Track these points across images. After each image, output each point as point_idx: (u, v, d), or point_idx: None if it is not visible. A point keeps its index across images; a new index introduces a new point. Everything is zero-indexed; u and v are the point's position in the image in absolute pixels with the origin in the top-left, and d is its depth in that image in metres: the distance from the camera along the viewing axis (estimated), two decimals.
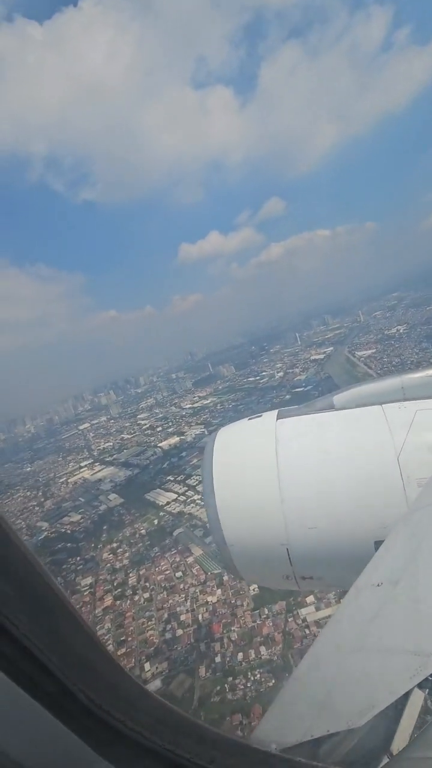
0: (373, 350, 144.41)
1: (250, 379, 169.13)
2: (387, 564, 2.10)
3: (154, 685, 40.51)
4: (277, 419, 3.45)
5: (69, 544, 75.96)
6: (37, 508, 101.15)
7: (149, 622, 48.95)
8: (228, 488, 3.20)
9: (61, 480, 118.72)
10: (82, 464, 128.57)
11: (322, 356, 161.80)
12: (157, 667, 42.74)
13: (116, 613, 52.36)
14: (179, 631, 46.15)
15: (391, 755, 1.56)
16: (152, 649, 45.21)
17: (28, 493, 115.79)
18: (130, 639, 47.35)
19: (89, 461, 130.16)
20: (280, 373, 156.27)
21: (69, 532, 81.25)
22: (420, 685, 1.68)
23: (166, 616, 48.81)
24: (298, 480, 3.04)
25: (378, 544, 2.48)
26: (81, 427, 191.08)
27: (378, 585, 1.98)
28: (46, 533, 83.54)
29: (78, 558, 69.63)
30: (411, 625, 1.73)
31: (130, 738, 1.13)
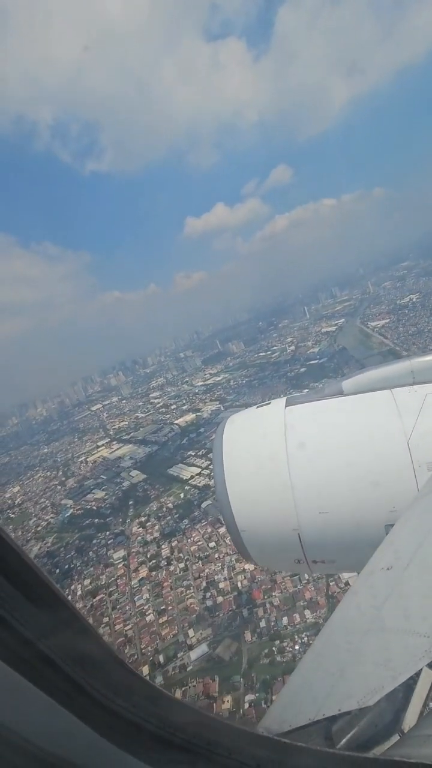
0: (387, 320, 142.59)
1: (261, 354, 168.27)
2: (397, 548, 2.13)
3: (201, 650, 41.27)
4: (285, 406, 3.44)
5: (97, 520, 76.89)
6: (59, 487, 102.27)
7: (188, 591, 49.68)
8: (239, 475, 3.21)
9: (80, 459, 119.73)
10: (100, 443, 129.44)
11: (333, 328, 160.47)
12: (201, 633, 43.48)
13: (153, 584, 53.14)
14: (219, 599, 46.82)
15: (402, 733, 1.63)
16: (194, 616, 45.94)
17: (49, 473, 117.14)
18: (170, 608, 48.13)
19: (106, 440, 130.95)
20: (292, 347, 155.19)
21: (95, 508, 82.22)
22: (430, 665, 1.36)
23: (204, 584, 49.46)
24: (308, 466, 3.05)
25: (388, 528, 2.50)
26: (93, 408, 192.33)
27: (388, 568, 2.02)
28: (72, 510, 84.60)
29: (107, 533, 70.48)
30: (421, 607, 1.78)
31: (128, 719, 1.17)
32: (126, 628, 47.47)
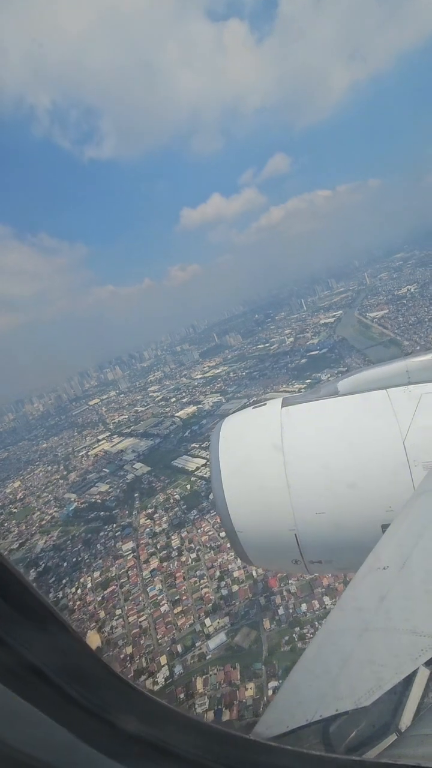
0: (386, 311, 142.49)
1: (260, 346, 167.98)
2: (393, 547, 2.15)
3: (219, 638, 40.95)
4: (281, 407, 3.43)
5: (102, 513, 76.29)
6: (61, 481, 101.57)
7: (201, 581, 49.29)
8: (235, 476, 3.19)
9: (81, 453, 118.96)
10: (100, 437, 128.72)
11: (332, 320, 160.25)
12: (218, 622, 43.15)
13: (165, 574, 52.70)
14: (234, 587, 46.49)
15: (399, 732, 1.63)
16: (210, 605, 45.55)
17: (49, 468, 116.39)
18: (184, 598, 47.77)
19: (107, 434, 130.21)
20: (291, 339, 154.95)
21: (100, 501, 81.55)
22: (426, 664, 1.42)
23: (218, 574, 49.07)
24: (305, 466, 3.05)
25: (385, 527, 2.51)
26: (91, 403, 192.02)
27: (384, 568, 2.03)
28: (75, 504, 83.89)
29: (114, 525, 69.89)
30: (417, 606, 1.81)
31: (123, 730, 1.17)
32: (140, 619, 46.98)
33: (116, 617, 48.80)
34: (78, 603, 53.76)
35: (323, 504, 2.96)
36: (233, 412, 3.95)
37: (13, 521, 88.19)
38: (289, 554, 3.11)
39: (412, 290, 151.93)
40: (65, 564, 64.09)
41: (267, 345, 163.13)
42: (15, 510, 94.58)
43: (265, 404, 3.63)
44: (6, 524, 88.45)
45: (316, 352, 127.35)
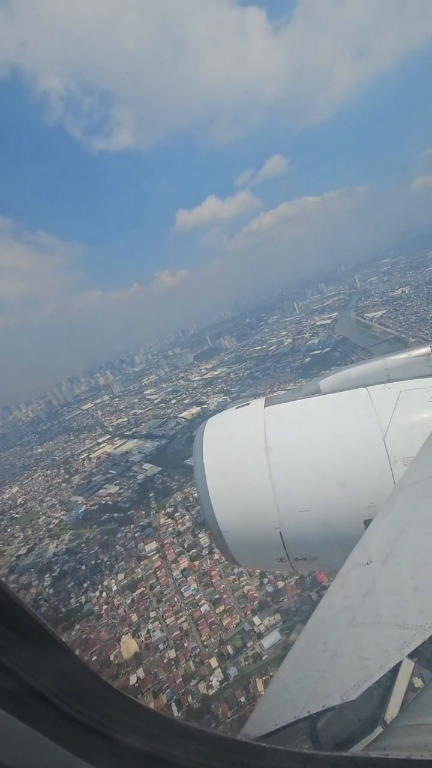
0: (384, 311, 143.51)
1: (257, 348, 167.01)
2: (375, 542, 2.20)
3: (273, 637, 38.49)
4: (264, 406, 3.45)
5: (116, 514, 72.88)
6: (64, 485, 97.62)
7: (241, 578, 46.69)
8: (220, 476, 3.19)
9: (81, 456, 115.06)
10: (100, 440, 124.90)
11: (329, 321, 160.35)
12: (268, 620, 40.63)
13: (199, 573, 49.90)
14: (280, 583, 44.01)
15: (385, 724, 1.66)
16: (256, 603, 42.95)
17: (49, 472, 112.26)
18: (225, 596, 45.08)
19: (107, 437, 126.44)
20: (289, 340, 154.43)
21: (111, 503, 78.11)
22: (409, 655, 1.64)
23: (257, 570, 46.40)
24: (288, 465, 3.04)
25: (368, 523, 2.58)
26: (84, 408, 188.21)
27: (367, 563, 2.08)
28: (84, 506, 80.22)
29: (132, 526, 66.62)
30: (399, 600, 1.84)
31: (113, 739, 1.18)
32: (179, 621, 44.09)
33: (151, 620, 45.77)
34: (105, 607, 50.51)
35: (307, 501, 2.95)
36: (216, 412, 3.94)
37: (17, 526, 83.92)
38: (274, 552, 3.09)
39: (407, 292, 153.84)
40: (83, 567, 60.56)
41: (264, 346, 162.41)
42: (17, 515, 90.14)
43: (249, 404, 3.61)
44: (9, 530, 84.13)
45: (319, 351, 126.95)
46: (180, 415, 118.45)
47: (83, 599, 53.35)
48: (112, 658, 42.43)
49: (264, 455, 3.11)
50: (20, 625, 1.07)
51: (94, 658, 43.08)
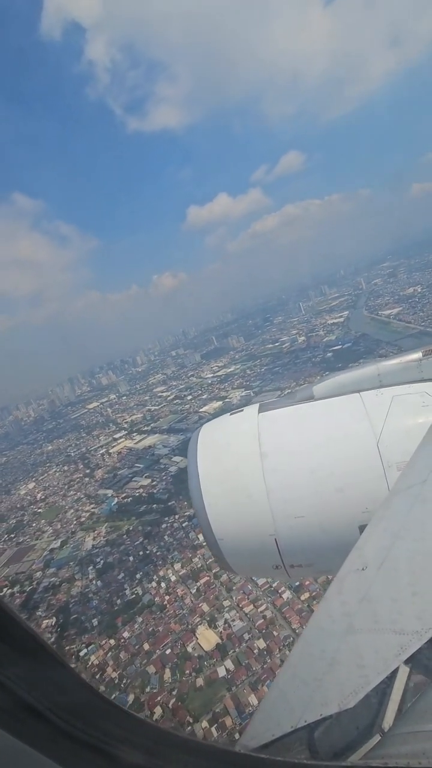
0: (399, 308, 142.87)
1: (269, 346, 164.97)
2: (370, 548, 2.19)
3: None
4: (258, 412, 3.43)
5: (155, 505, 69.22)
6: (86, 479, 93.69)
7: None
8: (214, 483, 3.16)
9: (100, 452, 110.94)
10: (116, 436, 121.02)
11: (341, 320, 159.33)
12: None
13: None
14: None
15: (383, 732, 1.65)
16: None
17: (65, 468, 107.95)
18: (307, 582, 41.55)
19: (123, 433, 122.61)
20: (302, 338, 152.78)
21: (145, 494, 74.46)
22: (405, 662, 1.64)
23: None
24: (283, 471, 3.03)
25: (362, 528, 2.55)
26: (89, 407, 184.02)
27: (362, 569, 2.07)
28: (117, 499, 76.39)
29: (176, 516, 63.04)
30: (395, 605, 1.84)
31: (109, 754, 1.16)
32: (260, 609, 40.80)
33: (226, 609, 42.35)
34: (168, 597, 46.92)
35: (302, 508, 2.92)
36: (211, 419, 3.87)
37: (42, 521, 79.79)
38: (269, 559, 3.07)
39: (420, 290, 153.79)
40: (131, 558, 56.86)
41: (277, 344, 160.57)
42: (39, 510, 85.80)
43: (242, 410, 3.56)
44: (34, 524, 79.87)
45: (339, 347, 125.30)
46: (201, 410, 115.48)
47: (139, 590, 49.70)
48: (190, 649, 38.88)
49: (259, 461, 3.06)
50: (15, 639, 1.05)
51: (168, 651, 39.59)
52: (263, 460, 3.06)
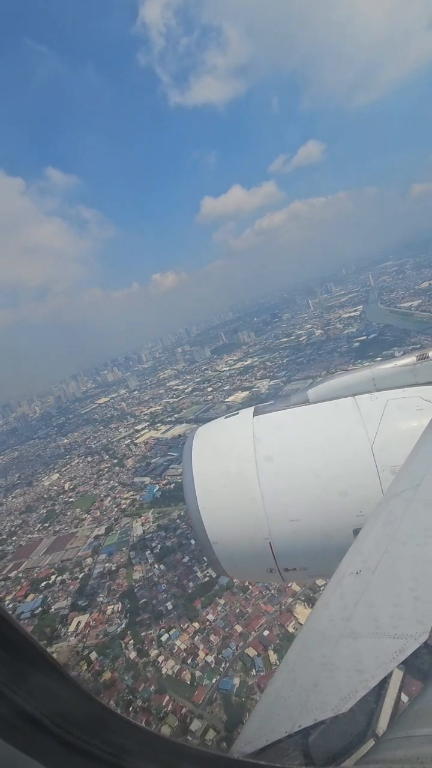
0: (419, 300, 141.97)
1: (284, 339, 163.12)
2: (364, 551, 2.19)
3: None
4: (253, 416, 3.44)
5: None
6: (116, 468, 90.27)
7: None
8: (209, 487, 3.14)
9: (124, 443, 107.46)
10: (138, 427, 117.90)
11: (357, 313, 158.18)
12: None
13: None
14: None
15: (376, 737, 1.62)
16: None
17: (89, 459, 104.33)
18: None
19: (146, 424, 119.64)
20: (319, 331, 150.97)
21: None
22: (400, 666, 2.09)
23: None
24: (277, 475, 3.02)
25: (357, 531, 2.55)
26: (99, 402, 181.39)
27: (357, 573, 2.08)
28: (158, 486, 73.06)
29: None
30: (389, 609, 1.83)
31: (92, 754, 1.16)
32: None
33: (320, 588, 39.36)
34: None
35: (296, 511, 2.90)
36: (211, 419, 3.81)
37: (77, 509, 76.10)
38: (264, 563, 3.06)
39: None
40: (192, 541, 53.60)
41: (292, 338, 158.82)
42: (71, 499, 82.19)
43: (238, 413, 3.56)
44: (69, 513, 76.25)
45: (364, 337, 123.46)
46: (227, 400, 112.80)
47: (212, 572, 46.44)
48: (291, 629, 35.86)
49: (253, 465, 3.05)
50: (14, 647, 1.04)
51: (266, 632, 36.53)
52: (258, 464, 3.02)
